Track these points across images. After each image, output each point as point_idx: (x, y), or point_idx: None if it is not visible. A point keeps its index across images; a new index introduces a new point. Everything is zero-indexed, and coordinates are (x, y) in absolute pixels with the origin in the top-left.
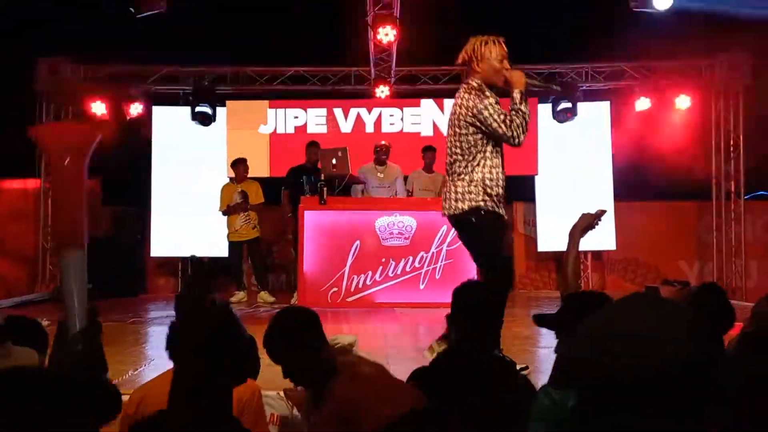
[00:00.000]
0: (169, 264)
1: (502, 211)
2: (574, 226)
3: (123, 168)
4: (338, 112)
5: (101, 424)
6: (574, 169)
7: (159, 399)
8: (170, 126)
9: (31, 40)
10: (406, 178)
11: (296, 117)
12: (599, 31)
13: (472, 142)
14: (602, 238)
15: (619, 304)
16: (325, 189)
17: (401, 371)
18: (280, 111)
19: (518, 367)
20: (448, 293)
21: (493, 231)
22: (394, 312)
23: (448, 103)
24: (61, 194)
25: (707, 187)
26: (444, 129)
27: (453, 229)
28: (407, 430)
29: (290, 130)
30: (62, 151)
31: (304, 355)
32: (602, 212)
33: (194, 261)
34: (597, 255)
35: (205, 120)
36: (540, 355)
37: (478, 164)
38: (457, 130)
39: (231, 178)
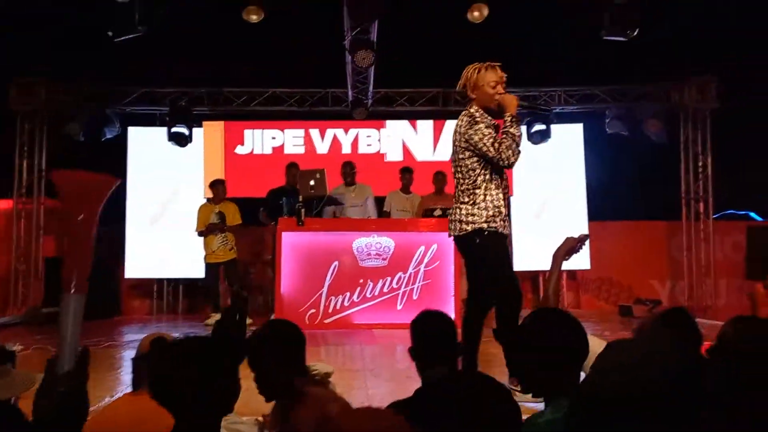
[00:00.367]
0: (144, 285)
1: (506, 231)
2: (558, 249)
3: None
4: (315, 133)
5: None
6: (549, 189)
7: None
8: (146, 146)
9: (6, 59)
10: (383, 199)
11: (273, 138)
12: (572, 56)
13: (470, 166)
14: (577, 258)
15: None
16: (303, 210)
17: (380, 395)
18: (257, 131)
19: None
20: None
21: (498, 251)
22: (372, 333)
23: (423, 124)
24: (72, 240)
25: (678, 207)
26: (415, 150)
27: (431, 250)
28: None
29: (267, 150)
30: (80, 199)
31: (286, 370)
32: (585, 237)
33: (236, 291)
34: (572, 274)
35: (182, 140)
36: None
37: (479, 187)
38: (458, 155)
39: (208, 199)
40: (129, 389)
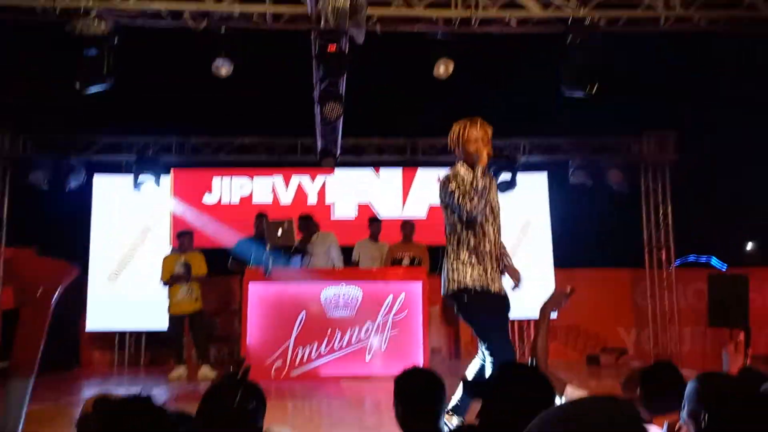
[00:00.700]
0: (105, 337)
1: (496, 286)
2: (545, 303)
3: (60, 237)
4: (283, 181)
5: None
6: (515, 237)
7: None
8: (111, 195)
9: None
10: (352, 248)
11: (242, 186)
12: (536, 108)
13: (453, 223)
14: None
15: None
16: (270, 260)
17: None
18: (226, 180)
19: None
20: (394, 365)
21: (485, 310)
22: (339, 385)
23: (391, 172)
24: (24, 323)
25: (641, 254)
26: (383, 199)
27: (399, 299)
28: None
29: (235, 200)
30: (35, 285)
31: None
32: (572, 291)
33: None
34: None
35: (148, 189)
36: None
37: (463, 243)
38: (443, 213)
39: (174, 248)
40: None
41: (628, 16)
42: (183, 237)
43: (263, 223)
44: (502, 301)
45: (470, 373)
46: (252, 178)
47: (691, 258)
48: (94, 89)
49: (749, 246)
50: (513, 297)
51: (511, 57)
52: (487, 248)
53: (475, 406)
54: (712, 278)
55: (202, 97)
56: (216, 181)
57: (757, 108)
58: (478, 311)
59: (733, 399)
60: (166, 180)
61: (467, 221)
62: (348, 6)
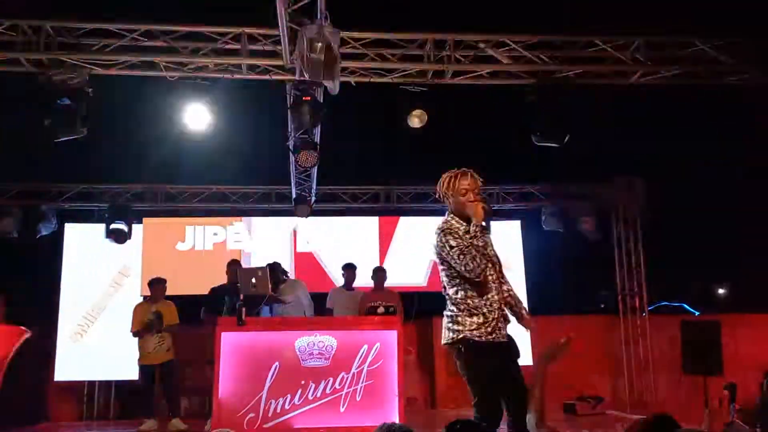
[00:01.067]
0: (74, 388)
1: (496, 335)
2: (540, 356)
3: (30, 285)
4: (260, 229)
5: None
6: None
7: None
8: (82, 244)
9: None
10: (326, 296)
11: (215, 234)
12: (509, 157)
13: (450, 276)
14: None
15: None
16: (243, 309)
17: None
18: (199, 228)
19: None
20: (369, 416)
21: (476, 364)
22: None
23: (366, 221)
24: None
25: (615, 301)
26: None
27: (374, 348)
28: None
29: (209, 246)
30: None
31: None
32: (568, 341)
33: None
34: None
35: (120, 237)
36: None
37: (460, 293)
38: (439, 266)
39: (145, 297)
40: None
41: (597, 70)
42: (155, 286)
43: (237, 271)
44: (499, 352)
45: None
46: (225, 226)
47: (663, 303)
48: (67, 137)
49: (720, 291)
50: None
51: (483, 107)
52: (487, 296)
53: None
54: (686, 325)
55: (174, 146)
56: (189, 229)
57: (724, 154)
58: (470, 363)
59: None
60: (138, 228)
61: (471, 279)
62: (322, 58)
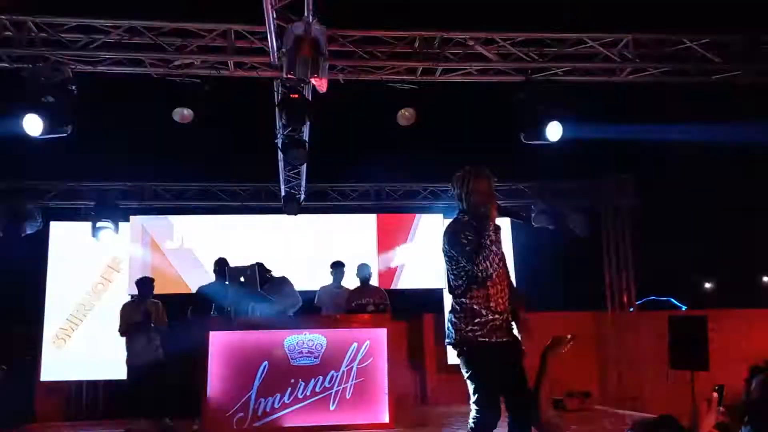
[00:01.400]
0: (61, 388)
1: (499, 336)
2: (545, 351)
3: (15, 284)
4: (248, 227)
5: None
6: None
7: None
8: (68, 242)
9: None
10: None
11: (203, 232)
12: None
13: (456, 275)
14: None
15: None
16: (233, 308)
17: None
18: (187, 226)
19: None
20: (359, 414)
21: (476, 364)
22: None
23: (355, 218)
24: None
25: (604, 297)
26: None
27: (364, 346)
28: None
29: (197, 245)
30: None
31: None
32: (573, 337)
33: None
34: None
35: (107, 236)
36: None
37: (465, 294)
38: (445, 265)
39: (132, 296)
40: None
41: (586, 67)
42: (142, 285)
43: (225, 270)
44: (500, 353)
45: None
46: (214, 224)
47: (652, 298)
48: (51, 136)
49: (707, 286)
50: None
51: (472, 104)
52: (493, 297)
53: None
54: (673, 320)
55: (162, 143)
56: (177, 227)
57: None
58: (471, 363)
59: None
60: (125, 227)
61: (481, 279)
62: (310, 56)
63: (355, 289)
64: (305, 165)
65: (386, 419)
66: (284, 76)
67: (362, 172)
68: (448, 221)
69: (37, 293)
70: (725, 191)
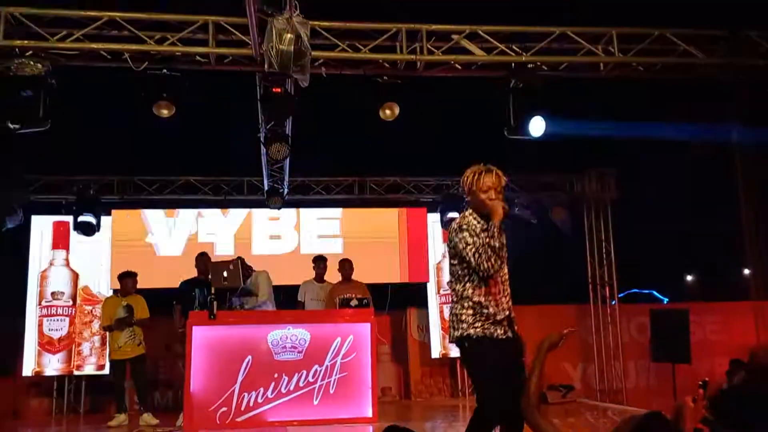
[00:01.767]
0: (43, 383)
1: (501, 331)
2: (541, 343)
3: None
4: (230, 221)
5: None
6: None
7: None
8: (50, 237)
9: None
10: (297, 288)
11: (186, 226)
12: (481, 147)
13: (459, 272)
14: None
15: None
16: (215, 303)
17: None
18: (170, 220)
19: None
20: (343, 408)
21: (479, 359)
22: (286, 430)
23: (336, 212)
24: None
25: (586, 290)
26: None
27: (347, 341)
28: None
29: (179, 239)
30: None
31: None
32: (570, 332)
33: None
34: None
35: (88, 230)
36: None
37: (468, 291)
38: (450, 261)
39: (115, 291)
40: None
41: (569, 62)
42: (125, 279)
43: (207, 264)
44: (500, 348)
45: None
46: (196, 218)
47: (634, 290)
48: (30, 129)
49: (689, 279)
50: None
51: (456, 98)
52: (495, 295)
53: None
54: (655, 314)
55: (144, 136)
56: (159, 221)
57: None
58: (472, 359)
59: None
60: (107, 220)
61: (483, 277)
62: (292, 50)
63: (338, 283)
64: (288, 159)
65: (370, 413)
66: (266, 70)
67: (346, 166)
68: (433, 215)
69: (18, 288)
70: (707, 185)
